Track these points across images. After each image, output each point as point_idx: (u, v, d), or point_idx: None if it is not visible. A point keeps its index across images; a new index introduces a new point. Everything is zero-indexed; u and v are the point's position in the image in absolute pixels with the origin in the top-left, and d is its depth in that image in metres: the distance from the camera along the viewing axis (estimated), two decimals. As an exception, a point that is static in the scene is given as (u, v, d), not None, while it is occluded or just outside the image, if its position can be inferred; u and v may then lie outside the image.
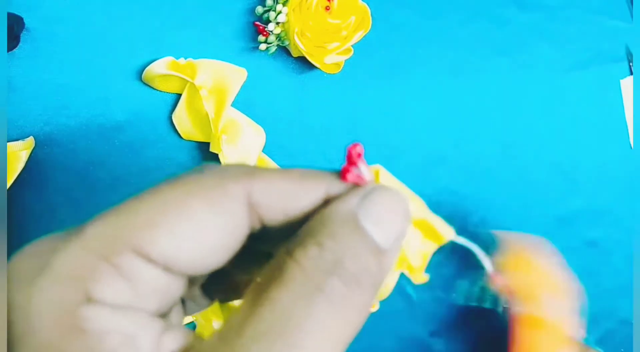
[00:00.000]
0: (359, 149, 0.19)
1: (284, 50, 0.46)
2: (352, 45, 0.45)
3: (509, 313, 0.37)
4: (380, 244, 0.17)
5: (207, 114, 0.43)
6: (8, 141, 0.41)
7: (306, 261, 0.16)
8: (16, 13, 0.43)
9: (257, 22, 0.45)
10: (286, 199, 0.18)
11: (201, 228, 0.17)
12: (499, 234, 0.39)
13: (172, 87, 0.45)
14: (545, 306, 0.36)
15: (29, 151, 0.42)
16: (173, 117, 0.44)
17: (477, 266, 0.20)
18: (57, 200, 0.43)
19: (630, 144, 0.51)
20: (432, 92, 0.49)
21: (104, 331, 0.15)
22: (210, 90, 0.43)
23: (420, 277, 0.21)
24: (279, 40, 0.44)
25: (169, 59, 0.44)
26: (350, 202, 0.17)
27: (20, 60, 0.43)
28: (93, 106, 0.44)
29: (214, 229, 0.17)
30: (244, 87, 0.44)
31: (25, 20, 0.43)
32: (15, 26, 0.42)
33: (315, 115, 0.47)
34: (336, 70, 0.46)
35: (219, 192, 0.17)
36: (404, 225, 0.18)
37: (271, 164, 0.45)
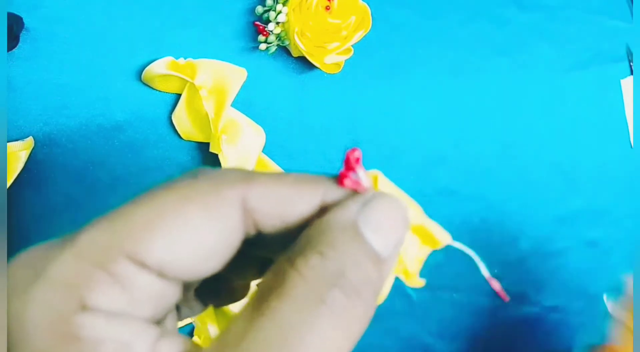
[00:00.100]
0: (357, 153, 0.18)
1: (284, 50, 0.46)
2: (352, 45, 0.45)
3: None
4: (380, 253, 0.17)
5: (207, 114, 0.43)
6: (8, 141, 0.41)
7: (307, 271, 0.16)
8: (16, 13, 0.43)
9: (257, 22, 0.45)
10: (282, 204, 0.18)
11: (196, 234, 0.17)
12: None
13: (172, 87, 0.45)
14: None
15: (29, 151, 0.42)
16: (173, 117, 0.44)
17: (476, 267, 0.20)
18: (56, 200, 0.43)
19: (630, 144, 0.51)
20: (432, 92, 0.48)
21: (99, 338, 0.15)
22: (210, 90, 0.43)
23: (416, 281, 0.21)
24: (279, 40, 0.44)
25: (168, 59, 0.44)
26: (351, 210, 0.17)
27: (20, 60, 0.43)
28: (93, 106, 0.44)
29: (210, 235, 0.17)
30: (243, 87, 0.44)
31: (25, 20, 0.43)
32: (15, 26, 0.42)
33: (315, 115, 0.47)
34: (336, 70, 0.46)
35: (214, 197, 0.17)
36: (403, 233, 0.18)
37: (271, 164, 0.45)
